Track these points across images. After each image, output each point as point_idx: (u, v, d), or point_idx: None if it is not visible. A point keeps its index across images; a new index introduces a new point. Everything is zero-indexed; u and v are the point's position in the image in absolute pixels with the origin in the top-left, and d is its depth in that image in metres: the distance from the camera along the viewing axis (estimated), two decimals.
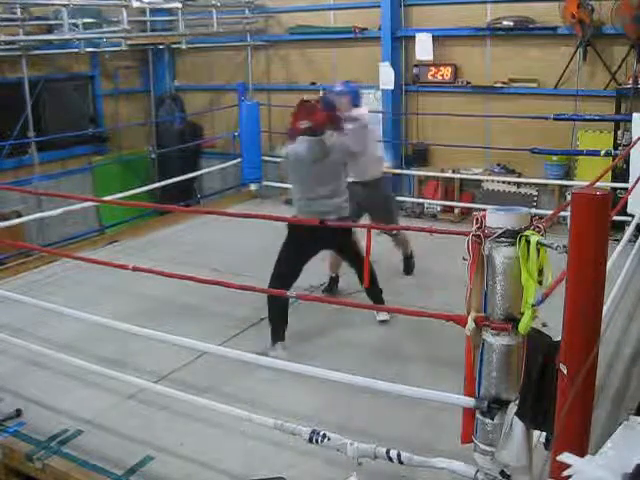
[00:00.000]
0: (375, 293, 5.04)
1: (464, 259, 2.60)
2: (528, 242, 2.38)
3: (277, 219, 3.98)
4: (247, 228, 5.77)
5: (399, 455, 2.82)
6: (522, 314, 2.44)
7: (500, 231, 2.46)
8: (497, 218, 2.48)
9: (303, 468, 3.42)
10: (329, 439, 2.95)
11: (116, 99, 10.67)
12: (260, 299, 5.27)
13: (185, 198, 9.31)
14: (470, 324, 2.59)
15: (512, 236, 2.44)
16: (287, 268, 4.82)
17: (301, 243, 4.74)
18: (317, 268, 6.34)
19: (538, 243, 2.36)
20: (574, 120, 7.79)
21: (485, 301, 2.58)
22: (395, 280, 5.86)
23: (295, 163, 4.84)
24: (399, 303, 4.50)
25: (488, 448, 2.65)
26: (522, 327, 2.43)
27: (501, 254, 2.47)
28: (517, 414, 2.54)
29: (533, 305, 2.39)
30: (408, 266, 6.25)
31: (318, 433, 2.97)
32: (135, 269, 3.68)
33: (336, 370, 3.25)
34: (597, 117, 7.54)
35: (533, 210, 7.29)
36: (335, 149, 4.82)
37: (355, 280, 5.05)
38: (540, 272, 2.39)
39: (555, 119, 7.59)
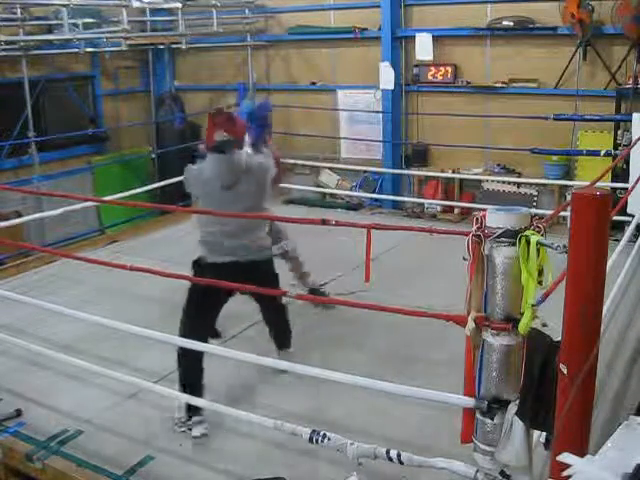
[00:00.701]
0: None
1: (464, 259, 2.60)
2: (528, 242, 2.38)
3: (276, 219, 3.97)
4: None
5: (399, 455, 2.82)
6: (522, 314, 2.44)
7: (500, 231, 2.45)
8: (497, 218, 2.48)
9: (303, 468, 3.42)
10: (329, 439, 2.95)
11: (116, 99, 10.67)
12: None
13: (185, 198, 9.29)
14: (470, 324, 2.59)
15: (512, 236, 2.44)
16: (196, 318, 3.94)
17: (204, 290, 3.79)
18: (318, 268, 6.35)
19: (538, 243, 2.36)
20: (574, 120, 7.80)
21: (485, 301, 2.58)
22: (395, 280, 5.86)
23: (201, 187, 3.95)
24: (399, 303, 4.49)
25: (488, 448, 2.64)
26: (522, 327, 2.43)
27: (501, 254, 2.47)
28: (517, 414, 2.54)
29: (533, 305, 2.39)
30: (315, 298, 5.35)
31: (318, 433, 2.97)
32: (132, 269, 3.67)
33: (336, 370, 3.25)
34: (597, 117, 7.55)
35: (533, 210, 7.29)
36: (253, 170, 3.97)
37: (355, 280, 5.06)
38: (540, 272, 2.39)
39: (555, 119, 7.60)
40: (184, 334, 3.78)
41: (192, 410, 3.72)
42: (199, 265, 3.94)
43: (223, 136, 3.85)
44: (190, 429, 3.73)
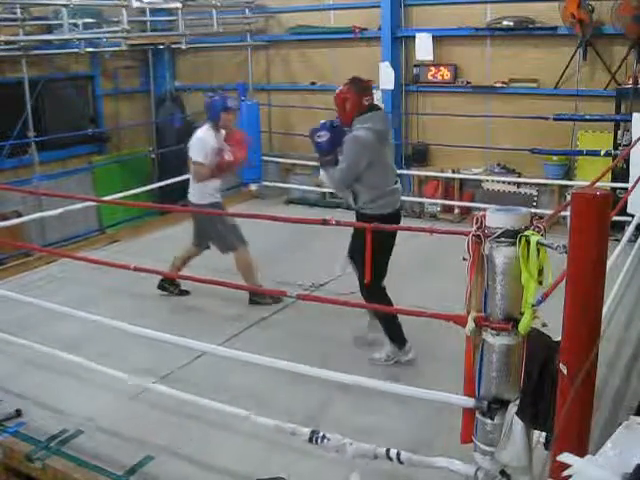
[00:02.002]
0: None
1: (464, 259, 2.60)
2: (528, 242, 2.38)
3: (277, 219, 3.98)
4: (247, 228, 5.77)
5: (399, 455, 2.82)
6: (522, 314, 2.44)
7: (500, 231, 2.46)
8: (497, 218, 2.48)
9: (303, 468, 3.42)
10: (329, 439, 2.95)
11: (116, 99, 10.67)
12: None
13: (185, 198, 9.29)
14: (470, 324, 2.59)
15: (512, 236, 2.44)
16: (382, 274, 4.56)
17: (389, 245, 4.55)
18: (317, 268, 6.36)
19: (538, 243, 2.36)
20: (574, 120, 7.80)
21: (485, 301, 2.58)
22: (394, 280, 5.85)
23: (372, 148, 4.40)
24: (399, 303, 4.50)
25: (488, 448, 2.65)
26: (522, 327, 2.44)
27: (501, 254, 2.47)
28: (517, 414, 2.54)
29: (533, 305, 2.39)
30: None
31: (318, 433, 2.97)
32: (136, 269, 3.68)
33: (336, 370, 3.25)
34: (597, 117, 7.55)
35: (533, 210, 7.29)
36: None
37: (355, 280, 5.05)
38: (540, 272, 2.39)
39: (555, 119, 7.60)
40: (375, 291, 4.47)
41: (399, 341, 4.56)
42: (376, 221, 4.07)
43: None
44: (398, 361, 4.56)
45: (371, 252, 3.36)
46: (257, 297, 5.62)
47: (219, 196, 5.77)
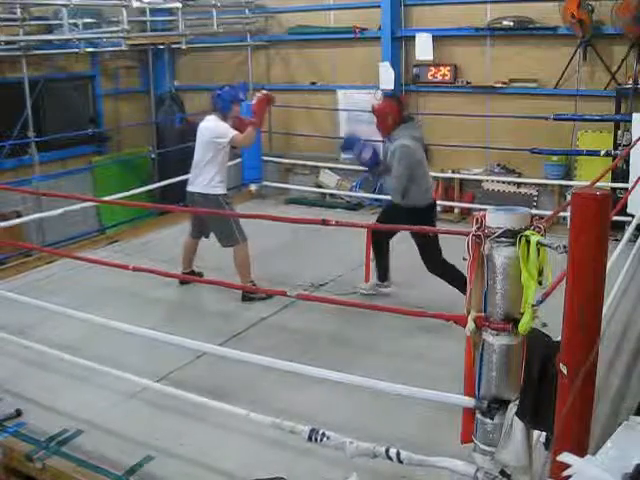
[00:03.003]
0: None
1: (464, 259, 2.60)
2: (528, 242, 2.38)
3: (277, 219, 3.98)
4: (247, 228, 5.78)
5: (398, 454, 2.82)
6: (522, 314, 2.44)
7: (500, 231, 2.45)
8: (497, 218, 2.48)
9: (303, 468, 3.42)
10: (328, 438, 2.95)
11: (116, 99, 10.66)
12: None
13: (185, 198, 9.30)
14: (470, 324, 2.59)
15: (512, 236, 2.44)
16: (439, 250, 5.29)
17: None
18: (318, 267, 6.36)
19: (538, 243, 2.36)
20: (574, 120, 7.79)
21: (485, 301, 2.58)
22: (394, 280, 5.86)
23: (415, 154, 5.29)
24: (398, 303, 4.50)
25: (488, 448, 2.65)
26: (522, 327, 2.43)
27: (501, 254, 2.47)
28: (517, 414, 2.54)
29: (533, 305, 2.39)
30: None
31: (317, 432, 2.97)
32: (135, 269, 3.68)
33: (336, 370, 3.25)
34: (597, 117, 7.54)
35: (533, 210, 7.29)
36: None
37: (355, 280, 5.06)
38: (540, 272, 2.39)
39: (555, 119, 7.60)
40: (439, 263, 5.30)
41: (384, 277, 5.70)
42: (421, 211, 5.28)
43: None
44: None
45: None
46: (250, 293, 5.64)
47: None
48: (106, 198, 6.95)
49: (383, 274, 5.73)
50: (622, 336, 4.78)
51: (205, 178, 5.67)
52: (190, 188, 5.80)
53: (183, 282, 5.93)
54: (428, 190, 5.44)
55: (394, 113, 5.27)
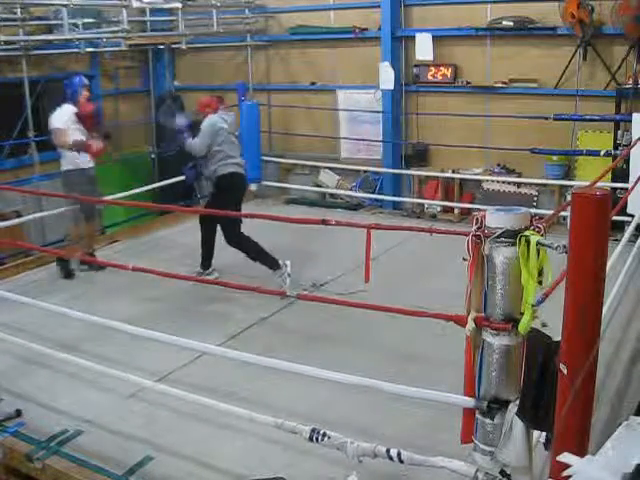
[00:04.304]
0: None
1: (464, 259, 2.60)
2: (528, 242, 2.38)
3: (277, 219, 3.98)
4: (247, 228, 5.79)
5: (399, 454, 2.82)
6: (522, 314, 2.44)
7: (500, 231, 2.45)
8: (497, 218, 2.48)
9: (303, 467, 3.42)
10: (329, 438, 2.95)
11: (116, 99, 10.66)
12: (259, 298, 5.28)
13: (185, 198, 9.31)
14: (470, 324, 2.59)
15: (512, 236, 2.44)
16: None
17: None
18: (318, 267, 6.36)
19: (538, 243, 2.36)
20: (574, 120, 7.80)
21: (485, 301, 2.58)
22: (395, 280, 5.86)
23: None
24: (399, 303, 4.49)
25: (488, 448, 2.65)
26: (522, 327, 2.44)
27: (501, 254, 2.47)
28: (517, 414, 2.54)
29: (533, 305, 2.39)
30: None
31: (318, 432, 2.97)
32: (135, 269, 3.68)
33: (336, 370, 3.25)
34: (597, 117, 7.55)
35: (533, 210, 7.28)
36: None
37: (355, 280, 5.03)
38: (540, 272, 2.39)
39: (555, 119, 7.60)
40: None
41: (272, 263, 5.82)
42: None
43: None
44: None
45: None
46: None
47: None
48: (106, 198, 6.94)
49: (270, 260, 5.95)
50: (622, 336, 4.78)
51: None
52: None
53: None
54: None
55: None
